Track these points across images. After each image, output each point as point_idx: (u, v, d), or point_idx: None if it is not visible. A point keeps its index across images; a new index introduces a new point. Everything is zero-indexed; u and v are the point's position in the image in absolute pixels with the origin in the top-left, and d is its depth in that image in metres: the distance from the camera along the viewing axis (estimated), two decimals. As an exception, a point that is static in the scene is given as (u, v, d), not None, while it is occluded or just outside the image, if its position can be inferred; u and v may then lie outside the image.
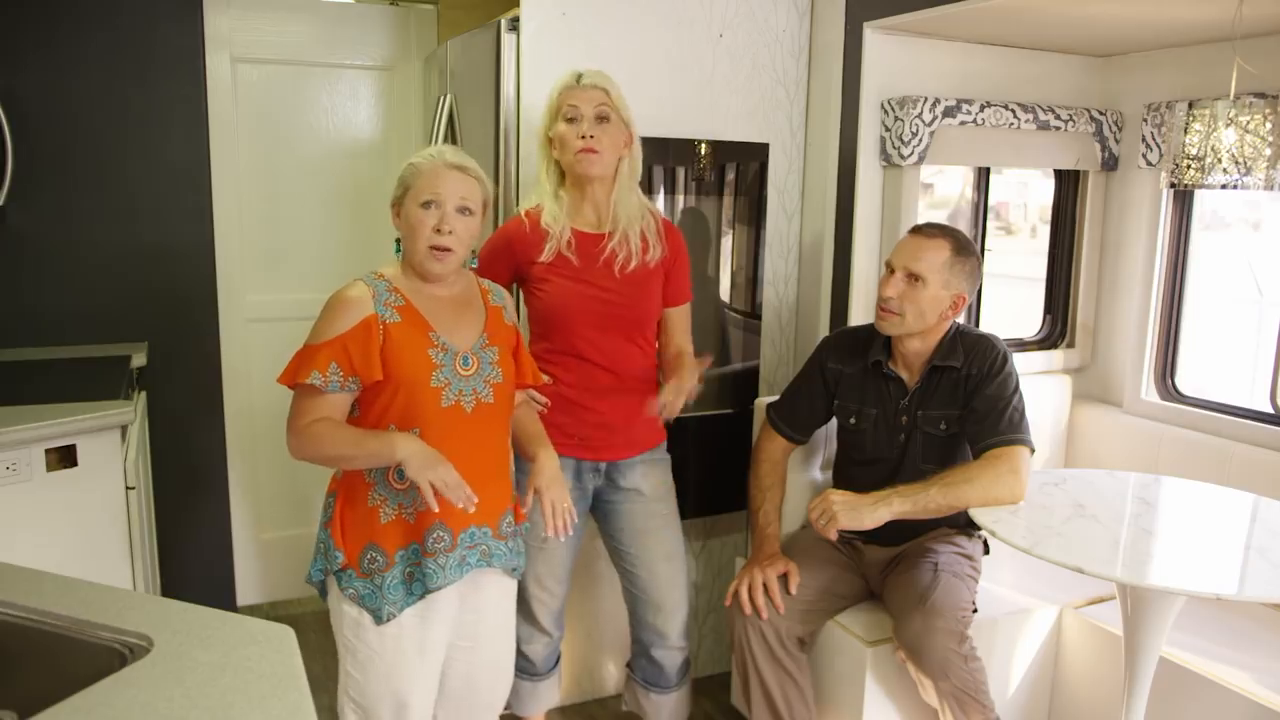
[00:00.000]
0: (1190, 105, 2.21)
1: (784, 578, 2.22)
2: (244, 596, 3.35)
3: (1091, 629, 2.35)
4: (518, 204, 2.44)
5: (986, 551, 2.35)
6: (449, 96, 2.75)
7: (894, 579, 2.25)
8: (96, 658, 1.14)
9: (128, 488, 2.17)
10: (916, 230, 2.23)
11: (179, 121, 2.95)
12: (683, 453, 2.36)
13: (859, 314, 2.67)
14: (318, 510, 1.89)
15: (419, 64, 3.31)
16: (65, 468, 2.04)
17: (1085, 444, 2.90)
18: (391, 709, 1.80)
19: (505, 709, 2.09)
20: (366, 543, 1.74)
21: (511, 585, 1.96)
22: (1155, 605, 1.89)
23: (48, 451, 2.01)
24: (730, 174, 2.68)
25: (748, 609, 2.19)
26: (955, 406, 2.21)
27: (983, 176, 2.91)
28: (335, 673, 1.85)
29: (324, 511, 1.81)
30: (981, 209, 2.92)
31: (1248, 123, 2.08)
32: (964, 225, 2.88)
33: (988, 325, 2.79)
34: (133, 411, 2.17)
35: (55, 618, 1.19)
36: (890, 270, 2.21)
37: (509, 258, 2.14)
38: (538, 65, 2.41)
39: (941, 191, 3.26)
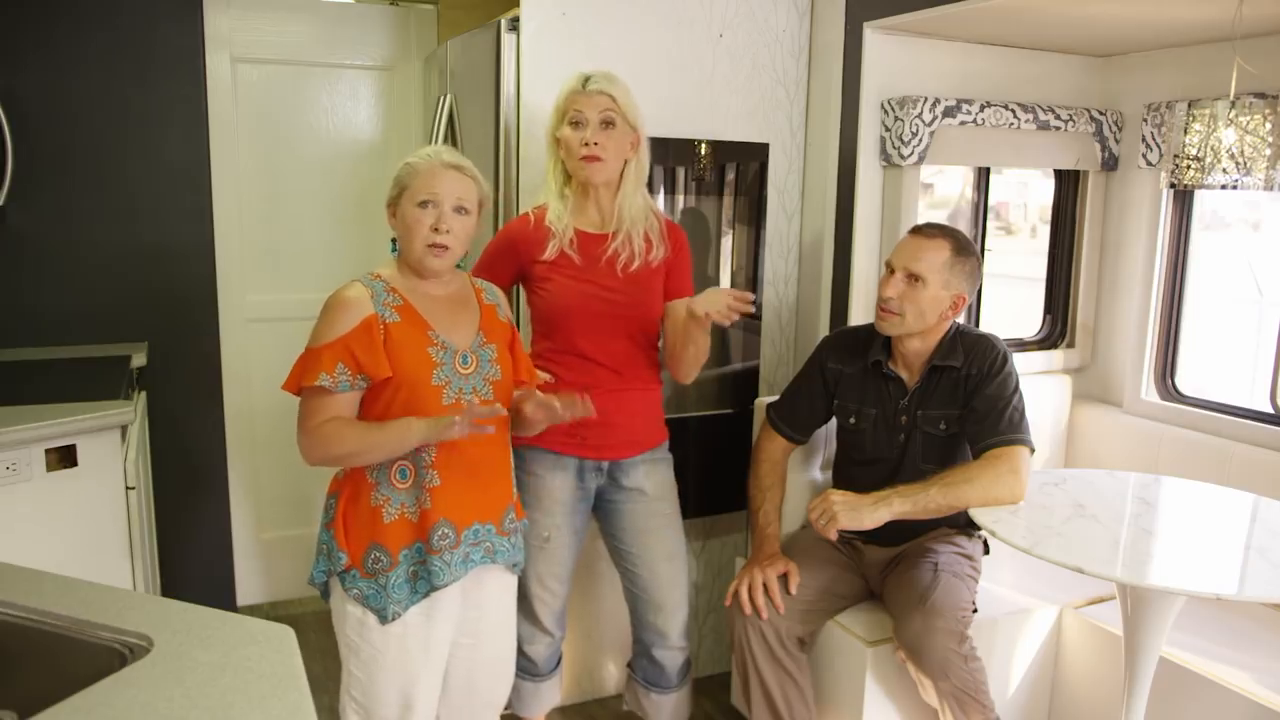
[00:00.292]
0: (1190, 105, 2.21)
1: (784, 578, 2.22)
2: (244, 596, 3.35)
3: (1091, 629, 2.35)
4: (518, 204, 2.44)
5: (986, 551, 2.35)
6: (449, 96, 2.75)
7: (894, 579, 2.25)
8: (96, 658, 1.14)
9: (128, 488, 2.17)
10: (916, 230, 2.23)
11: (179, 121, 2.95)
12: (683, 453, 2.36)
13: (859, 314, 2.67)
14: (318, 510, 1.89)
15: (419, 64, 3.31)
16: (65, 468, 2.04)
17: (1085, 444, 2.90)
18: (396, 708, 1.80)
19: (506, 709, 2.09)
20: (370, 543, 1.74)
21: (513, 581, 1.97)
22: (1155, 605, 1.89)
23: (48, 451, 2.01)
24: (730, 174, 2.68)
25: (748, 609, 2.19)
26: (955, 406, 2.21)
27: (983, 176, 2.91)
28: (335, 673, 1.85)
29: (325, 512, 1.81)
30: (981, 209, 2.92)
31: (1248, 123, 2.08)
32: (964, 225, 2.88)
33: (988, 325, 2.78)
34: (133, 411, 2.17)
35: (55, 618, 1.19)
36: (890, 270, 2.21)
37: (512, 256, 2.14)
38: (538, 65, 2.41)
39: (941, 191, 3.26)
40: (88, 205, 2.85)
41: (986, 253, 2.88)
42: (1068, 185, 2.95)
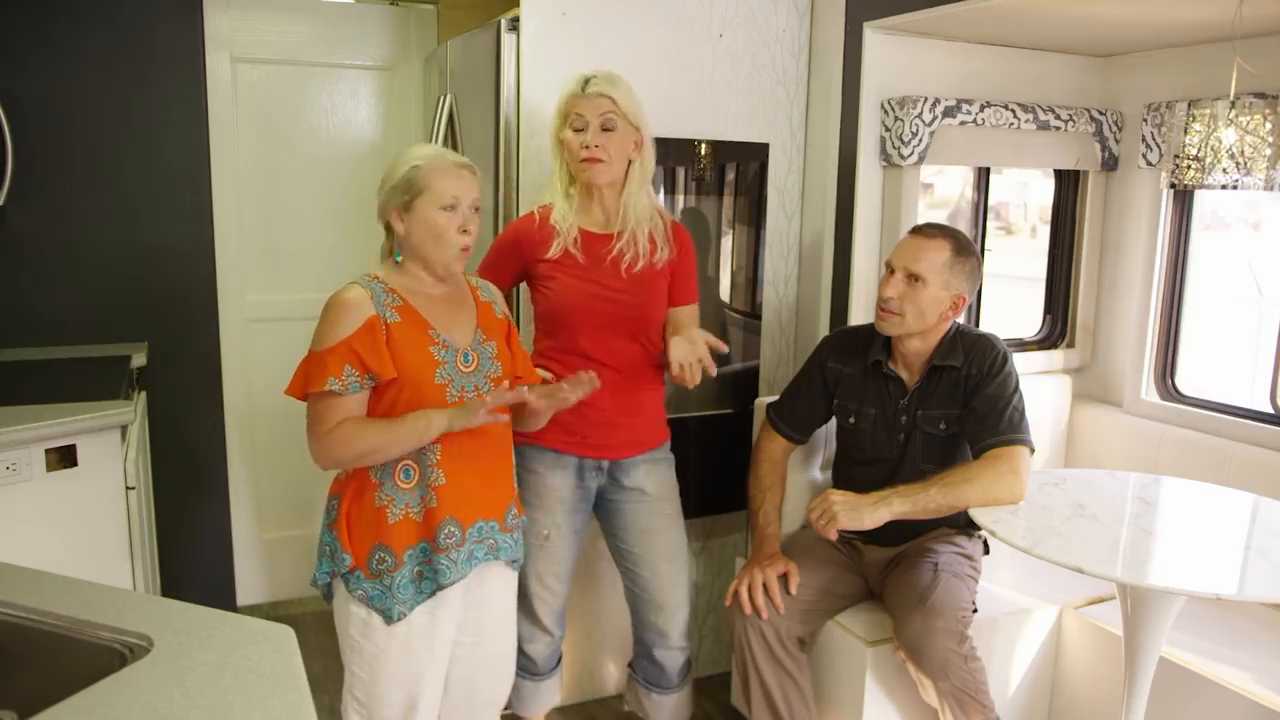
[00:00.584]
0: (1190, 105, 2.21)
1: (784, 578, 2.22)
2: (244, 596, 3.35)
3: (1091, 629, 2.35)
4: (518, 204, 2.45)
5: (986, 551, 2.35)
6: (449, 96, 2.75)
7: (894, 579, 2.25)
8: (96, 658, 1.14)
9: (128, 488, 2.17)
10: (916, 230, 2.23)
11: (179, 121, 2.95)
12: (683, 453, 2.36)
13: (859, 314, 2.67)
14: (318, 510, 1.89)
15: (419, 64, 3.31)
16: (65, 468, 2.04)
17: (1085, 444, 2.90)
18: (400, 708, 1.80)
19: (506, 709, 2.09)
20: (374, 543, 1.74)
21: (513, 578, 1.97)
22: (1155, 605, 1.89)
23: (48, 451, 2.01)
24: (730, 174, 2.68)
25: (748, 609, 2.19)
26: (955, 406, 2.21)
27: (983, 176, 2.91)
28: (335, 673, 1.85)
29: (327, 514, 1.81)
30: (981, 209, 2.92)
31: (1248, 123, 2.08)
32: (964, 225, 2.88)
33: (988, 325, 2.78)
34: (133, 411, 2.17)
35: (55, 618, 1.19)
36: (890, 270, 2.21)
37: (516, 255, 2.15)
38: (538, 65, 2.41)
39: (941, 191, 3.26)
40: (87, 205, 2.85)
41: (986, 253, 2.88)
42: (1068, 185, 2.95)
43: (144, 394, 2.79)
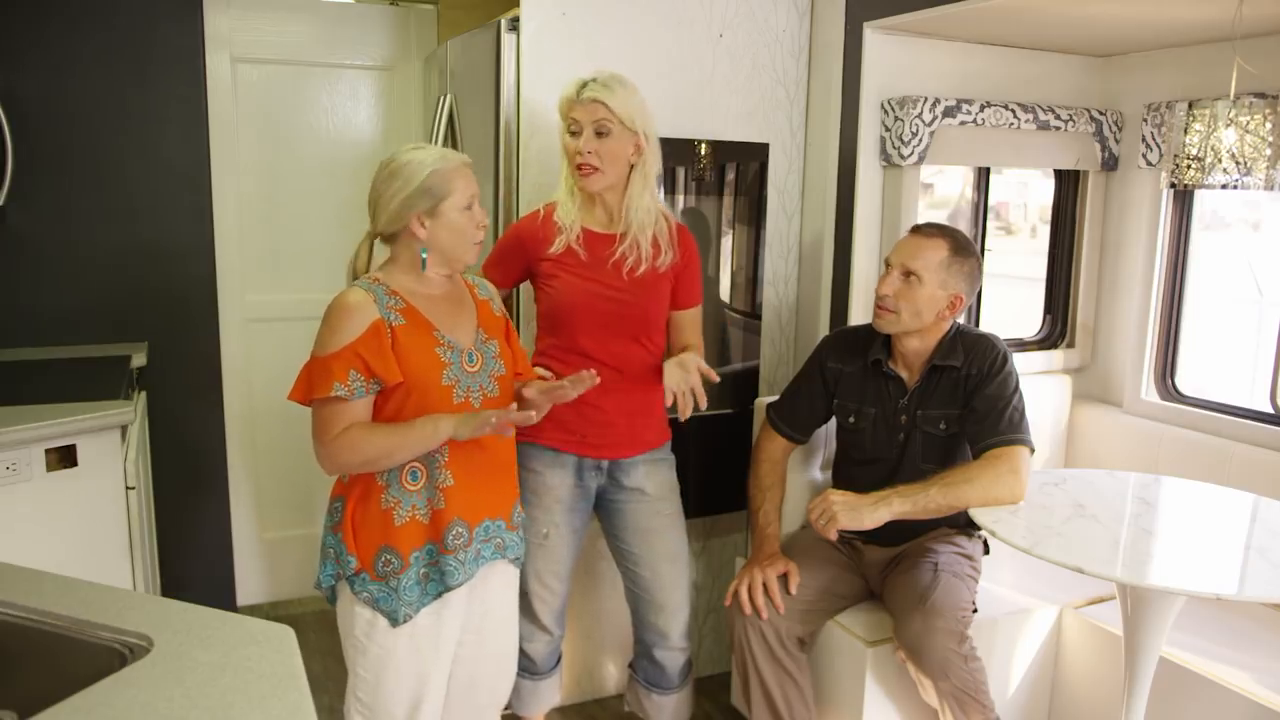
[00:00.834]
0: (1190, 105, 2.21)
1: (784, 578, 2.22)
2: (244, 596, 3.35)
3: (1091, 629, 2.35)
4: (518, 204, 2.45)
5: (986, 551, 2.35)
6: (449, 96, 2.75)
7: (894, 579, 2.25)
8: (96, 658, 1.14)
9: (128, 488, 2.17)
10: (916, 229, 2.24)
11: (179, 121, 2.95)
12: (683, 453, 2.36)
13: (859, 314, 2.67)
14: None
15: (419, 64, 3.31)
16: (65, 468, 2.04)
17: (1085, 444, 2.90)
18: (405, 709, 1.79)
19: (506, 709, 2.09)
20: (381, 545, 1.73)
21: (515, 575, 1.98)
22: (1155, 605, 1.89)
23: (48, 451, 2.01)
24: (730, 174, 2.68)
25: (748, 609, 2.19)
26: (955, 406, 2.21)
27: (983, 176, 2.91)
28: (335, 673, 1.85)
29: (330, 516, 1.80)
30: (981, 209, 2.92)
31: (1248, 123, 2.08)
32: (964, 225, 2.88)
33: (988, 325, 2.78)
34: (133, 411, 2.17)
35: (55, 618, 1.19)
36: (888, 268, 2.21)
37: (520, 252, 2.15)
38: (538, 65, 2.41)
39: (941, 191, 3.26)
40: (87, 205, 2.85)
41: (986, 253, 2.88)
42: (1068, 185, 2.95)
43: (144, 394, 2.79)
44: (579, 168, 2.05)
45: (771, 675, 2.19)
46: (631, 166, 2.08)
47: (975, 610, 2.15)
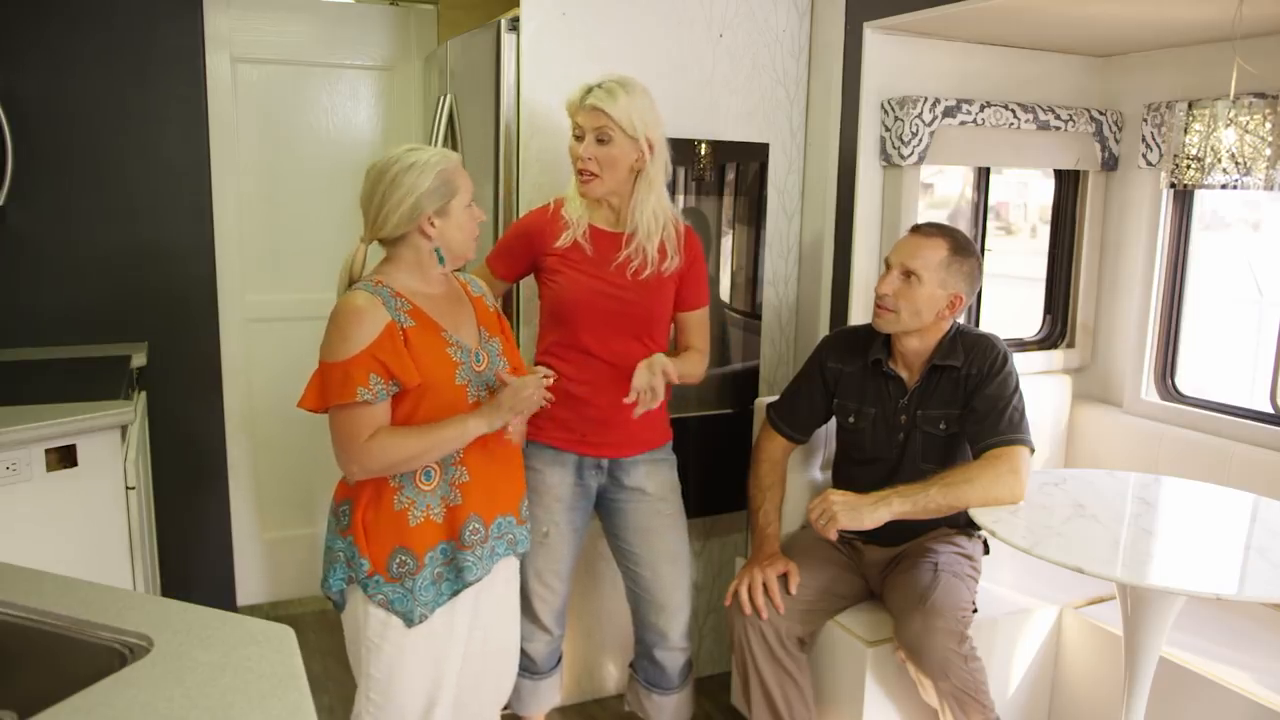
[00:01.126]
0: (1190, 105, 2.21)
1: (784, 578, 2.22)
2: (244, 596, 3.35)
3: (1091, 629, 2.35)
4: (518, 204, 2.45)
5: (986, 551, 2.35)
6: (449, 96, 2.75)
7: (894, 579, 2.25)
8: (96, 658, 1.14)
9: (128, 488, 2.17)
10: (916, 229, 2.24)
11: (178, 121, 2.95)
12: (683, 453, 2.36)
13: (859, 314, 2.67)
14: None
15: (419, 64, 3.31)
16: (65, 468, 2.04)
17: (1085, 444, 2.90)
18: (420, 709, 1.79)
19: (506, 709, 2.09)
20: (395, 546, 1.73)
21: (516, 568, 1.99)
22: (1155, 605, 1.89)
23: (48, 451, 2.01)
24: (730, 174, 2.68)
25: (748, 609, 2.19)
26: (955, 406, 2.21)
27: (983, 176, 2.91)
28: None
29: (336, 520, 1.79)
30: (981, 209, 2.92)
31: (1248, 123, 2.08)
32: (964, 225, 2.88)
33: (988, 325, 2.78)
34: (133, 411, 2.17)
35: (55, 618, 1.19)
36: (888, 267, 2.21)
37: (527, 245, 2.16)
38: (538, 65, 2.41)
39: (941, 191, 3.26)
40: (87, 205, 2.85)
41: (986, 253, 2.88)
42: (1068, 185, 2.95)
43: (144, 394, 2.79)
44: (580, 173, 2.06)
45: (771, 675, 2.19)
46: (637, 172, 2.08)
47: (975, 610, 2.15)
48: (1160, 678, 2.01)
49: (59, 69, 2.78)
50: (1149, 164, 2.71)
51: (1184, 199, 2.74)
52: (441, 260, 1.77)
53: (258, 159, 3.18)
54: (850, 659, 2.23)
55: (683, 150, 2.56)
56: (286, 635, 1.16)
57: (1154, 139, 2.68)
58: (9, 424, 1.94)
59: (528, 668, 2.28)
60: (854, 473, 2.32)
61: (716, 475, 2.69)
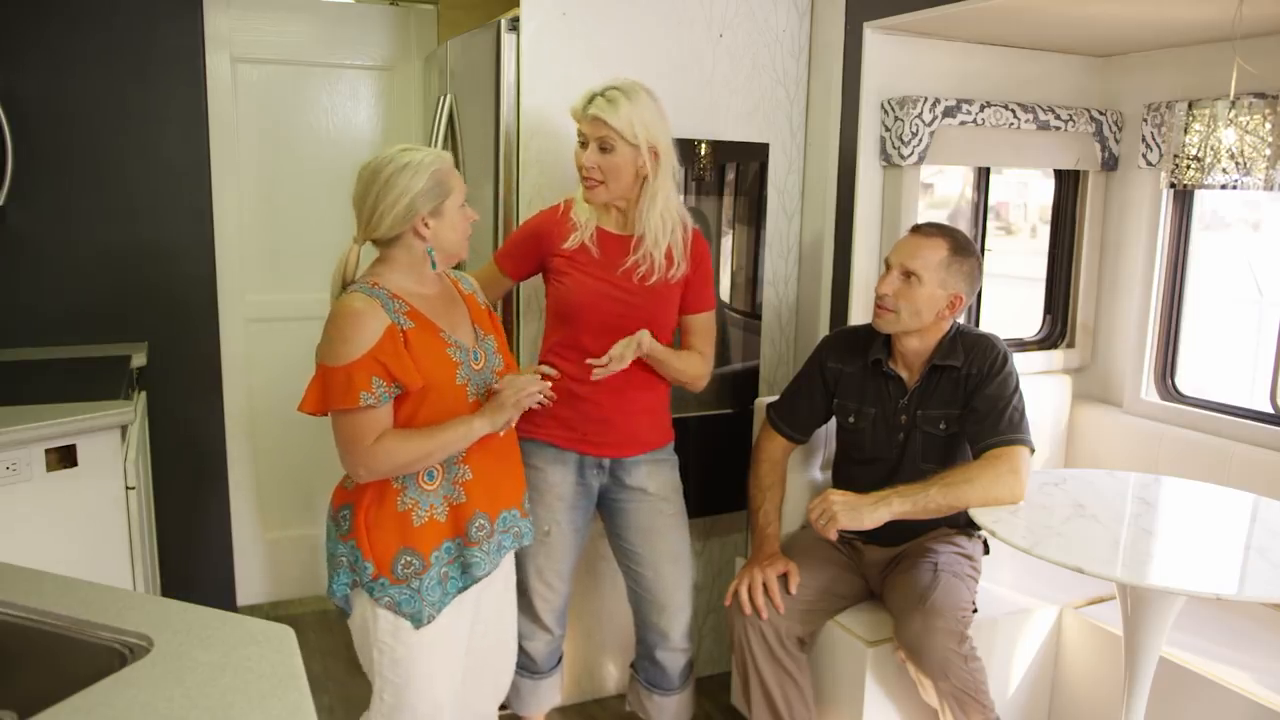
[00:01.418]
0: (1190, 105, 2.21)
1: (784, 578, 2.22)
2: (244, 596, 3.35)
3: (1091, 629, 2.35)
4: (518, 205, 2.45)
5: (986, 551, 2.35)
6: (449, 96, 2.75)
7: (894, 579, 2.25)
8: (96, 658, 1.14)
9: (128, 488, 2.17)
10: (916, 229, 2.24)
11: (178, 121, 2.95)
12: (683, 453, 2.36)
13: (859, 314, 2.67)
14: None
15: (419, 64, 3.31)
16: (65, 468, 2.04)
17: (1085, 444, 2.90)
18: (431, 707, 1.79)
19: (505, 708, 2.09)
20: (399, 548, 1.73)
21: (511, 560, 1.99)
22: (1155, 605, 1.89)
23: (48, 451, 2.01)
24: (730, 174, 2.68)
25: (748, 609, 2.19)
26: (955, 406, 2.21)
27: (983, 176, 2.91)
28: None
29: (337, 525, 1.78)
30: (981, 209, 2.92)
31: (1248, 123, 2.08)
32: (964, 225, 2.88)
33: (988, 325, 2.78)
34: (133, 411, 2.17)
35: (55, 618, 1.19)
36: (888, 267, 2.21)
37: (535, 245, 2.16)
38: (538, 65, 2.41)
39: (941, 191, 3.26)
40: (87, 205, 2.85)
41: (986, 253, 2.88)
42: (1068, 185, 2.95)
43: (144, 394, 2.79)
44: (584, 179, 2.07)
45: (771, 675, 2.19)
46: (644, 178, 2.07)
47: (975, 610, 2.15)
48: (1160, 678, 2.01)
49: (59, 69, 2.78)
50: (1149, 164, 2.71)
51: (1184, 199, 2.74)
52: (434, 264, 1.77)
53: (258, 159, 3.18)
54: (850, 659, 2.23)
55: (683, 150, 2.54)
56: (286, 635, 1.16)
57: (1154, 139, 2.68)
58: (9, 424, 1.94)
59: (528, 667, 2.28)
60: (854, 473, 2.32)
61: (716, 475, 2.69)
